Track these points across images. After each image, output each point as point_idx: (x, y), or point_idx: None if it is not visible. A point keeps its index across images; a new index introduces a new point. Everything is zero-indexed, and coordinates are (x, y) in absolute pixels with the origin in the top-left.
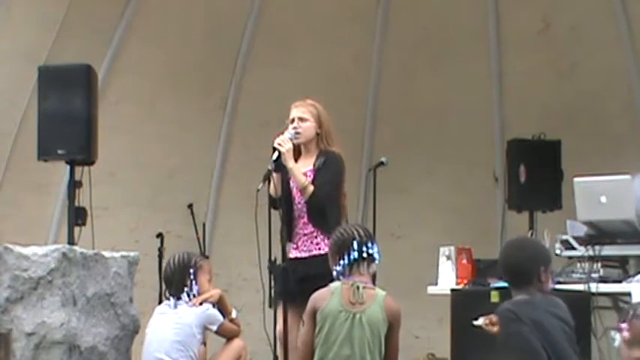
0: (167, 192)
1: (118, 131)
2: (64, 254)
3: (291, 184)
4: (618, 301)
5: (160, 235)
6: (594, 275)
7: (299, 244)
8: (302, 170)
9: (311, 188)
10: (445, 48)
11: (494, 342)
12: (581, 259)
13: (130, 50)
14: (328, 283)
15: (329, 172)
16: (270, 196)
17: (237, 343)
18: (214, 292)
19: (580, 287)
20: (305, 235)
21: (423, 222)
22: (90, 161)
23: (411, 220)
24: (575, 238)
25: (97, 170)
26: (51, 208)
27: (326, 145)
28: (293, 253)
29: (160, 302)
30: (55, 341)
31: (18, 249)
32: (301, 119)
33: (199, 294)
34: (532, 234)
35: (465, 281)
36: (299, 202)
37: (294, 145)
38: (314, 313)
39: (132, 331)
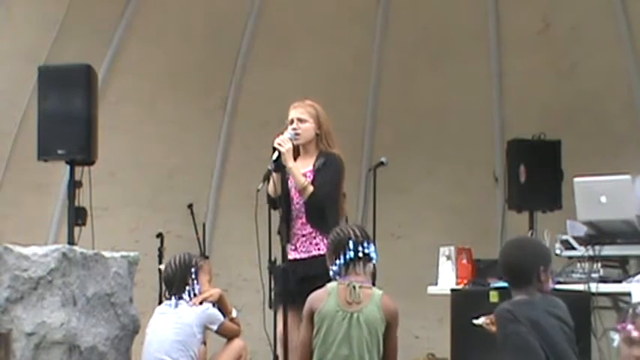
0: (167, 192)
1: (118, 131)
2: (64, 254)
3: (290, 184)
4: (618, 301)
5: (159, 235)
6: (594, 275)
7: (297, 245)
8: (301, 171)
9: (310, 188)
10: (445, 48)
11: (494, 342)
12: (581, 259)
13: (130, 50)
14: (328, 283)
15: (328, 172)
16: (268, 195)
17: (237, 342)
18: (214, 292)
19: (580, 287)
20: (303, 235)
21: (423, 222)
22: (90, 161)
23: (411, 220)
24: (575, 238)
25: (97, 170)
26: (51, 208)
27: (326, 146)
28: (292, 255)
29: (160, 302)
30: (55, 341)
31: (18, 249)
32: (300, 120)
33: (200, 294)
34: (532, 234)
35: (465, 281)
36: (297, 202)
37: (293, 145)
38: (311, 314)
39: (132, 331)
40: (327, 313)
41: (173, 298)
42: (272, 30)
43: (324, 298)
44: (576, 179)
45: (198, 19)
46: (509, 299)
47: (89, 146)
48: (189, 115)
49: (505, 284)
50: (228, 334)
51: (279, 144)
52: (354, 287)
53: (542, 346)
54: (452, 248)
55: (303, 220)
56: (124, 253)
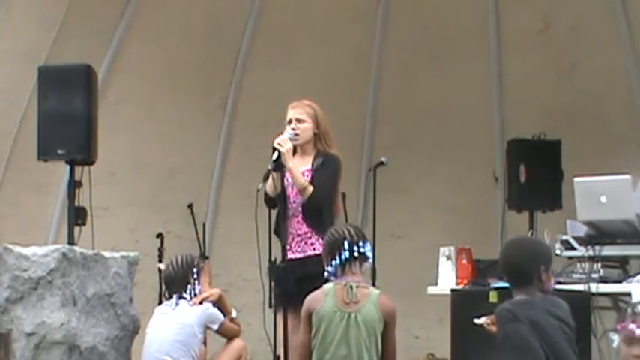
0: (167, 192)
1: (118, 131)
2: (64, 254)
3: (285, 182)
4: (618, 301)
5: (159, 235)
6: (594, 275)
7: (292, 244)
8: (299, 170)
9: (310, 189)
10: (445, 48)
11: (494, 342)
12: (581, 259)
13: (130, 50)
14: (325, 282)
15: (327, 172)
16: (266, 194)
17: (237, 342)
18: (214, 291)
19: (580, 287)
20: (299, 235)
21: (423, 222)
22: (90, 161)
23: (411, 220)
24: (575, 238)
25: (97, 170)
26: (51, 208)
27: (324, 146)
28: (288, 254)
29: (160, 302)
30: (55, 341)
31: (18, 249)
32: (298, 120)
33: (200, 294)
34: (532, 234)
35: (465, 281)
36: (294, 202)
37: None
38: (309, 315)
39: (132, 331)
40: (325, 314)
41: (174, 297)
42: (272, 30)
43: (322, 298)
44: (576, 179)
45: (198, 19)
46: (510, 299)
47: (89, 146)
48: (189, 115)
49: (505, 284)
50: (228, 334)
51: (279, 144)
52: (351, 287)
53: (541, 345)
54: (452, 248)
55: (299, 219)
56: (124, 253)
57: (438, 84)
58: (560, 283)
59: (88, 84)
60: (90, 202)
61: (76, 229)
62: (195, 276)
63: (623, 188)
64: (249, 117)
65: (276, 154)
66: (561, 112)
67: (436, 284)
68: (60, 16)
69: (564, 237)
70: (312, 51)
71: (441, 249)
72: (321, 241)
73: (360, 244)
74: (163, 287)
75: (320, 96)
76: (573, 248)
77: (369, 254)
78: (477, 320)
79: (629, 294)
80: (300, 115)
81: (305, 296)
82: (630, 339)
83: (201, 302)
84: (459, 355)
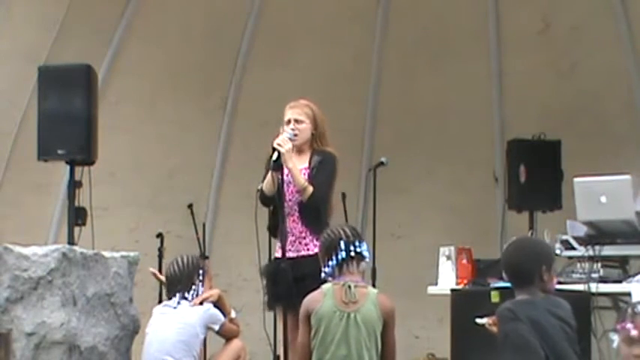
0: (167, 192)
1: (118, 131)
2: (64, 254)
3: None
4: (618, 301)
5: (159, 235)
6: (594, 275)
7: (286, 244)
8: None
9: (310, 189)
10: (445, 48)
11: (495, 342)
12: (581, 259)
13: (130, 50)
14: (321, 281)
15: (325, 172)
16: (263, 193)
17: (236, 343)
18: (214, 292)
19: (580, 287)
20: (293, 235)
21: (423, 222)
22: (90, 161)
23: (411, 220)
24: (575, 238)
25: (97, 170)
26: (51, 208)
27: (319, 145)
28: (280, 253)
29: (160, 302)
30: (55, 341)
31: (18, 249)
32: (297, 121)
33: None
34: (532, 234)
35: (465, 281)
36: (290, 200)
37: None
38: (308, 316)
39: (132, 331)
40: (325, 314)
41: (177, 296)
42: (272, 30)
43: (320, 299)
44: (576, 179)
45: (198, 19)
46: (511, 299)
47: (89, 146)
48: (189, 115)
49: (505, 284)
50: (228, 335)
51: (279, 144)
52: (350, 287)
53: (542, 345)
54: (452, 248)
55: (295, 218)
56: (124, 253)
57: (438, 84)
58: (560, 283)
59: (88, 84)
60: (90, 202)
61: (76, 229)
62: (200, 278)
63: (623, 188)
64: (249, 117)
65: (275, 154)
66: (561, 112)
67: (436, 284)
68: (60, 16)
69: (564, 237)
70: (312, 51)
71: (441, 249)
72: (315, 241)
73: (357, 243)
74: (163, 287)
75: (320, 96)
76: (573, 248)
77: (366, 254)
78: (478, 320)
79: (629, 294)
80: (299, 116)
81: (299, 295)
82: (631, 339)
83: (201, 303)
84: (459, 355)
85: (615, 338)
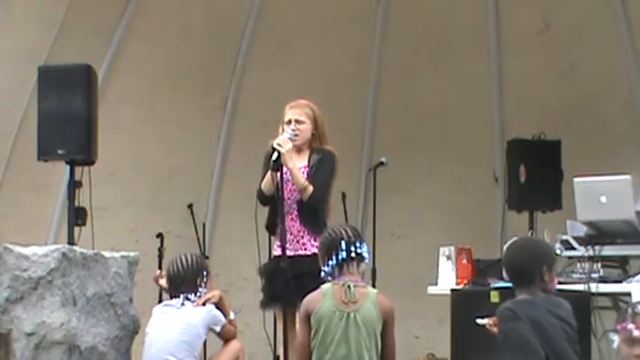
0: (167, 192)
1: (118, 131)
2: (64, 254)
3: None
4: (618, 301)
5: (159, 235)
6: (594, 275)
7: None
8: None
9: (310, 189)
10: (445, 48)
11: (495, 342)
12: (581, 259)
13: (130, 50)
14: (319, 279)
15: (325, 172)
16: (261, 192)
17: (235, 344)
18: (215, 293)
19: (580, 287)
20: (291, 233)
21: (423, 222)
22: (90, 161)
23: (411, 220)
24: (575, 238)
25: (97, 170)
26: (51, 208)
27: (319, 143)
28: (278, 251)
29: (160, 302)
30: (55, 341)
31: (18, 249)
32: (298, 121)
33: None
34: (532, 234)
35: (465, 281)
36: (288, 199)
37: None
38: (308, 317)
39: (132, 331)
40: (324, 314)
41: (180, 297)
42: (272, 30)
43: (320, 299)
44: (576, 179)
45: (198, 19)
46: (511, 299)
47: (89, 146)
48: (189, 115)
49: (505, 284)
50: (227, 336)
51: (279, 144)
52: (349, 287)
53: (542, 345)
54: (452, 248)
55: (293, 216)
56: (124, 253)
57: (438, 84)
58: (560, 283)
59: (88, 84)
60: (90, 202)
61: (76, 229)
62: (205, 279)
63: (623, 188)
64: (249, 117)
65: (275, 155)
66: (561, 112)
67: (436, 284)
68: (60, 16)
69: (564, 237)
70: (312, 51)
71: (441, 249)
72: (312, 241)
73: (358, 244)
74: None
75: (320, 96)
76: (573, 248)
77: (366, 255)
78: (479, 321)
79: (629, 294)
80: (299, 116)
81: (298, 292)
82: (631, 339)
83: (204, 304)
84: (459, 355)
85: (615, 338)
